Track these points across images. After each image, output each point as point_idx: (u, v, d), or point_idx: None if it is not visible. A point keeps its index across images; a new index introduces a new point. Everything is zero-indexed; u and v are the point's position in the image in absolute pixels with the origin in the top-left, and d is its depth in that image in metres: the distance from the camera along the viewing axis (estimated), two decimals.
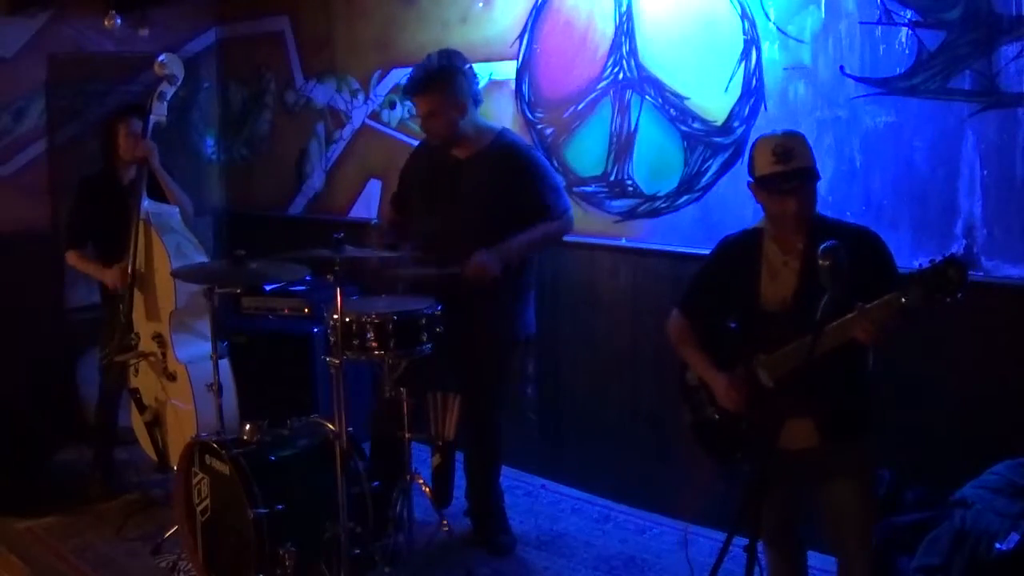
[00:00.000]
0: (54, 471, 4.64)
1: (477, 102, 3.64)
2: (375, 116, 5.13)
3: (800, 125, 3.52)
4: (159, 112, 4.09)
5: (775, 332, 2.58)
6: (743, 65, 3.67)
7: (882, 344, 2.41)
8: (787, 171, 2.53)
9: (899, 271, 2.62)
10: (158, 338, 3.98)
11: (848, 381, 2.61)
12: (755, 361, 2.63)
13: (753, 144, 2.65)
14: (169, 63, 4.11)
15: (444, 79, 3.52)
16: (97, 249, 4.28)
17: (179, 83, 4.16)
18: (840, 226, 2.66)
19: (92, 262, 4.25)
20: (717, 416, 2.78)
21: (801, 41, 3.51)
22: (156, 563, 3.71)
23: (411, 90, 3.57)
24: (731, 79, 3.71)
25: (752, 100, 3.67)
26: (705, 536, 3.84)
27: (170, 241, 3.97)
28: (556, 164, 4.22)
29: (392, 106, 5.03)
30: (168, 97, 4.12)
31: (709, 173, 3.83)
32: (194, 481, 3.43)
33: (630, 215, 4.10)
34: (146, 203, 4.04)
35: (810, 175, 2.57)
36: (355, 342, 3.23)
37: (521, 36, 4.39)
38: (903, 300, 2.32)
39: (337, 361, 3.19)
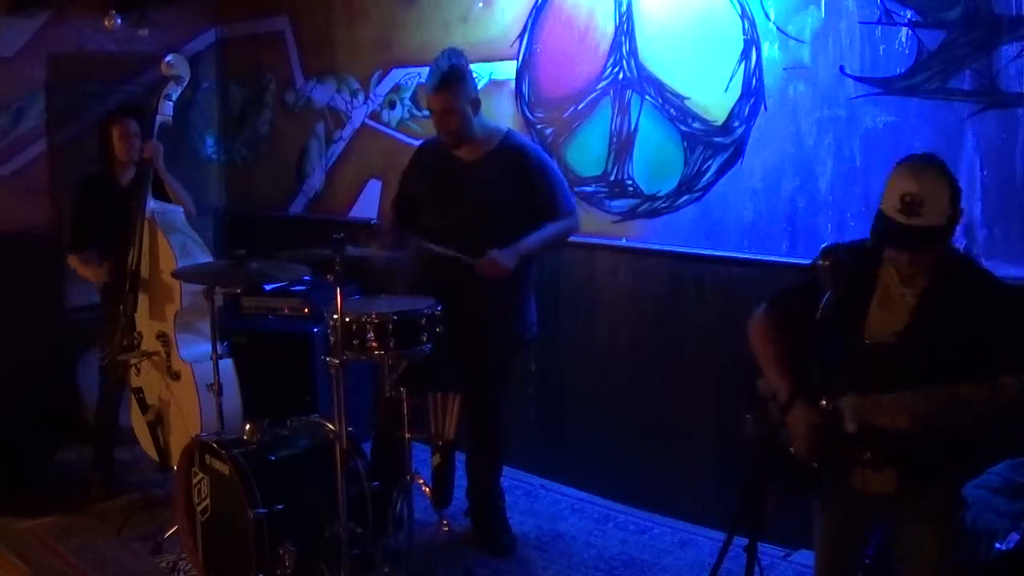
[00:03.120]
0: (54, 471, 4.63)
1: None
2: (375, 116, 5.13)
3: (800, 125, 3.54)
4: (165, 112, 4.09)
5: (874, 369, 2.29)
6: (743, 65, 3.67)
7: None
8: (906, 226, 2.19)
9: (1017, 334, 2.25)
10: (162, 337, 3.98)
11: (946, 436, 2.31)
12: (842, 401, 2.28)
13: (894, 165, 2.31)
14: (176, 64, 4.12)
15: (459, 75, 3.54)
16: (99, 250, 4.28)
17: (185, 84, 4.17)
18: (970, 268, 2.40)
19: (85, 263, 4.25)
20: (792, 449, 2.42)
21: (801, 41, 3.51)
22: (156, 563, 3.70)
23: (431, 87, 3.55)
24: (731, 79, 3.71)
25: (752, 100, 3.66)
26: (705, 536, 3.85)
27: (176, 240, 3.97)
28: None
29: (392, 106, 5.03)
30: (174, 98, 4.13)
31: (709, 173, 3.83)
32: (194, 481, 3.43)
33: (630, 215, 4.10)
34: (151, 203, 4.04)
35: (935, 234, 2.22)
36: (355, 342, 3.23)
37: (521, 36, 4.39)
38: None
39: (337, 361, 3.18)
